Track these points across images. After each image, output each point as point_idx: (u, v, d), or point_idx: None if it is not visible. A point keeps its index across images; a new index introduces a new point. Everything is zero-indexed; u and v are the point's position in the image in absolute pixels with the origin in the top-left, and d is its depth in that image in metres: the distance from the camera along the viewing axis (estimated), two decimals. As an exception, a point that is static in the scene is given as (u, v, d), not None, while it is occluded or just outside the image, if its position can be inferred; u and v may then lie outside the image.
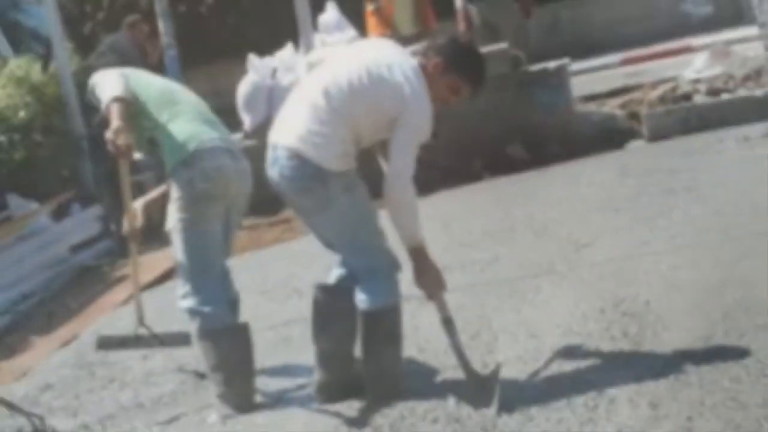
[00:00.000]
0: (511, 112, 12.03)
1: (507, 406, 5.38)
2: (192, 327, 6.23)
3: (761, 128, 10.60)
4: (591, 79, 15.81)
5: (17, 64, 12.55)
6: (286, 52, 12.69)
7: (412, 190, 5.60)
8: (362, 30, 14.51)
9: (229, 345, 6.12)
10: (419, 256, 5.70)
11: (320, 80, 5.77)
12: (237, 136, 7.93)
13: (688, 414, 4.98)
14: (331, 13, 14.37)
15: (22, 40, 15.71)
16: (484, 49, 8.23)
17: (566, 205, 9.37)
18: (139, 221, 6.67)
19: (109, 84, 6.18)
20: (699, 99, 12.14)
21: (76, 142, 12.33)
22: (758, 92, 11.65)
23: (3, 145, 11.70)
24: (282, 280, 8.70)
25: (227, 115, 8.60)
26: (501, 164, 11.89)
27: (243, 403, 6.09)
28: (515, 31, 14.23)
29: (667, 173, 9.80)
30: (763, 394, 5.01)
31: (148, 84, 6.40)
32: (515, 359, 6.06)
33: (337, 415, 5.75)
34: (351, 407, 5.81)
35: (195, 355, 6.76)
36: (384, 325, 5.82)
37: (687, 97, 12.25)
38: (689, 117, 11.74)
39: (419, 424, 5.45)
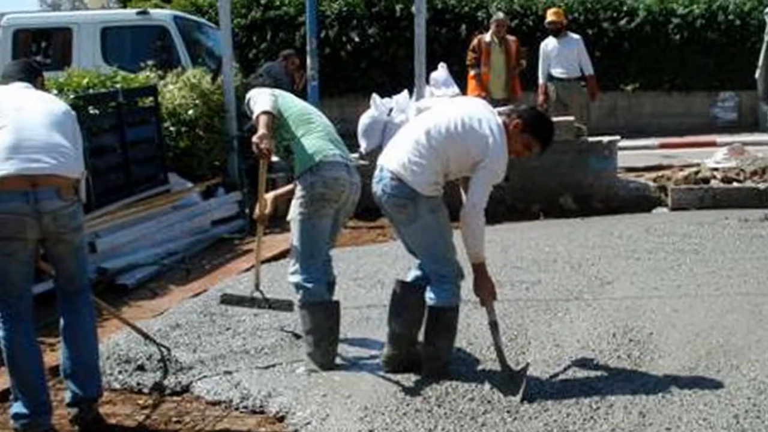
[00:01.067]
0: (568, 170, 12.00)
1: (529, 397, 5.42)
2: (296, 297, 6.30)
3: (759, 214, 10.68)
4: (634, 155, 15.74)
5: (193, 74, 12.61)
6: (402, 96, 12.70)
7: (483, 219, 5.64)
8: (463, 89, 14.56)
9: (322, 316, 6.15)
10: (480, 270, 5.74)
11: (425, 123, 5.82)
12: (354, 156, 7.95)
13: (668, 425, 5.00)
14: (441, 72, 14.42)
15: (200, 55, 15.74)
16: (555, 119, 8.23)
17: (599, 250, 9.32)
18: (268, 209, 6.70)
19: (261, 100, 6.22)
20: (714, 183, 12.12)
21: (228, 141, 12.38)
22: (761, 185, 11.70)
23: (172, 134, 11.80)
24: (370, 273, 8.71)
25: (349, 138, 8.66)
26: (554, 210, 11.92)
27: (326, 363, 6.13)
28: (581, 109, 14.23)
29: (681, 237, 9.74)
30: (728, 419, 5.02)
31: (292, 105, 6.43)
32: (541, 362, 6.08)
33: (397, 383, 5.77)
34: (408, 379, 5.84)
35: (294, 319, 6.86)
36: (444, 319, 5.84)
37: (706, 180, 12.20)
38: (705, 196, 11.78)
39: (459, 400, 5.48)
